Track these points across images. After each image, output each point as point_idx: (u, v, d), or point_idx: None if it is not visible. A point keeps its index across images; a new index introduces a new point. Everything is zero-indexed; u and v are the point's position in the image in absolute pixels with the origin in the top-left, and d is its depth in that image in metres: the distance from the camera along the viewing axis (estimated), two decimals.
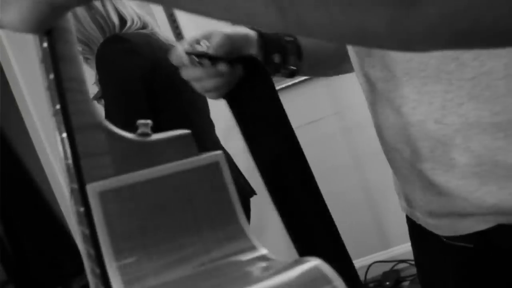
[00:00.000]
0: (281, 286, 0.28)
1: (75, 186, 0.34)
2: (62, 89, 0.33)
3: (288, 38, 0.61)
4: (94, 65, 1.18)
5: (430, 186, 0.52)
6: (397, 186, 0.63)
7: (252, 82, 0.55)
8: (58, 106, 0.33)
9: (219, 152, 0.38)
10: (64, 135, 0.33)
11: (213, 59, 0.53)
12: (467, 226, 0.51)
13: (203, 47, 0.55)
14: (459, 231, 0.52)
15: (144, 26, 1.17)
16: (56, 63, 0.33)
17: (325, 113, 2.13)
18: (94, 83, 1.27)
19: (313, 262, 0.30)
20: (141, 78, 1.07)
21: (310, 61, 0.63)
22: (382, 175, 2.13)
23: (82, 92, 0.35)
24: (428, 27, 0.23)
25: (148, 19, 1.20)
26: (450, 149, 0.48)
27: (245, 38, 0.57)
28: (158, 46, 1.13)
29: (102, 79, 1.11)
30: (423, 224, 0.58)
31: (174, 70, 1.09)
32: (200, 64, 0.53)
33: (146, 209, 0.35)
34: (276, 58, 0.60)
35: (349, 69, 0.66)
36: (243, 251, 0.36)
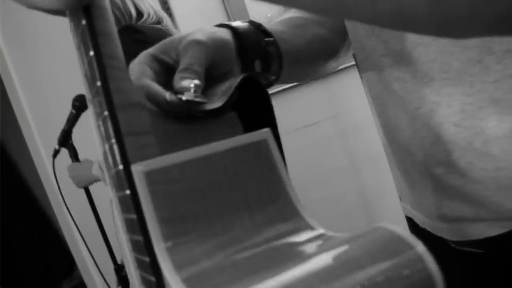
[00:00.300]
0: (359, 257, 0.26)
1: (119, 168, 0.32)
2: (103, 65, 0.31)
3: (268, 39, 0.51)
4: None
5: (444, 190, 0.50)
6: (401, 189, 0.61)
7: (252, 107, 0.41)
8: (98, 83, 0.31)
9: (266, 129, 0.35)
10: (106, 113, 0.31)
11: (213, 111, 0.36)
12: (479, 231, 0.49)
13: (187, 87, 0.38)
14: (469, 236, 0.50)
15: (159, 21, 1.17)
16: (96, 39, 0.32)
17: (322, 117, 2.12)
18: None
19: (388, 228, 0.28)
20: None
21: (290, 65, 0.53)
22: (378, 179, 2.14)
23: (122, 70, 0.33)
24: (468, 7, 0.22)
25: (163, 14, 1.21)
26: (468, 153, 0.46)
27: (222, 45, 0.44)
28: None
29: None
30: (429, 228, 0.56)
31: None
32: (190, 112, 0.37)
33: (194, 190, 0.33)
34: (257, 67, 0.49)
35: (334, 69, 0.64)
36: (299, 230, 0.33)
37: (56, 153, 1.40)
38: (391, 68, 0.49)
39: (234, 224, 0.33)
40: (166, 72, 0.42)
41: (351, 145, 2.14)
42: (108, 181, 0.36)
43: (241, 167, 0.34)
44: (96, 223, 1.45)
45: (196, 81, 0.38)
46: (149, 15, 1.16)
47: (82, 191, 1.43)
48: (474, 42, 0.42)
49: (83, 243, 2.22)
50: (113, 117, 0.31)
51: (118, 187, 0.33)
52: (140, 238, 0.31)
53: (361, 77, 0.60)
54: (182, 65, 0.39)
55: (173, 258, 0.31)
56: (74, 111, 1.34)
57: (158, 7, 1.21)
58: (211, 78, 0.40)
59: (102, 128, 0.33)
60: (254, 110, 0.37)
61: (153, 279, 0.31)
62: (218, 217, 0.33)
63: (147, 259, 0.31)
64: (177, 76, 0.39)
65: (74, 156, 1.38)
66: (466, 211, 0.49)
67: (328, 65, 0.62)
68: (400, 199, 0.64)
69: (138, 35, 1.08)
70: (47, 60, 2.03)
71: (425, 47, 0.45)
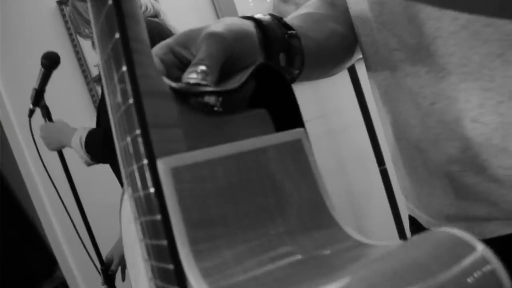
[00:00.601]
0: (426, 263, 0.23)
1: (142, 163, 0.28)
2: (130, 48, 0.28)
3: (290, 32, 0.48)
4: None
5: (455, 188, 0.48)
6: (406, 188, 0.59)
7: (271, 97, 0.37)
8: (124, 68, 0.28)
9: (301, 129, 0.33)
10: (131, 100, 0.28)
11: (221, 94, 0.33)
12: (490, 230, 0.48)
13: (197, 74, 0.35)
14: (480, 235, 0.48)
15: (156, 14, 1.14)
16: (123, 20, 0.29)
17: (310, 116, 2.11)
18: (96, 65, 1.22)
19: (447, 231, 0.25)
20: None
21: (310, 60, 0.51)
22: (366, 179, 2.13)
23: (148, 55, 0.30)
24: None
25: (160, 7, 1.18)
26: (484, 150, 0.44)
27: (243, 36, 0.40)
28: (167, 36, 1.10)
29: None
30: (434, 229, 0.53)
31: None
32: (204, 106, 0.32)
33: (224, 190, 0.29)
34: (282, 60, 0.47)
35: (346, 67, 0.62)
36: (338, 239, 0.30)
37: (31, 112, 1.34)
38: (404, 63, 0.48)
39: (267, 229, 0.30)
40: (181, 65, 0.39)
41: (340, 145, 2.15)
42: (124, 180, 0.32)
43: (274, 167, 0.31)
44: (80, 213, 1.37)
45: (203, 67, 0.35)
46: (146, 8, 1.13)
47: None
48: (495, 36, 0.41)
49: (65, 241, 2.18)
50: (139, 105, 0.28)
51: (138, 185, 0.29)
52: (163, 242, 0.28)
53: (368, 73, 0.58)
54: (195, 60, 0.37)
55: (201, 265, 0.27)
56: (43, 69, 1.28)
57: (154, 1, 1.18)
58: (234, 71, 0.37)
59: (124, 119, 0.30)
60: (281, 107, 0.34)
61: None
62: (249, 221, 0.30)
63: (170, 266, 0.28)
64: (187, 70, 0.36)
65: (47, 115, 1.32)
66: (478, 210, 0.47)
67: (342, 62, 0.60)
68: (406, 198, 0.62)
69: None
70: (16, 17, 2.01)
71: (443, 40, 0.44)
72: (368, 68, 0.56)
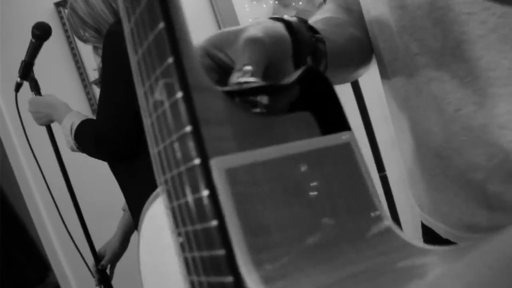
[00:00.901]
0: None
1: (192, 164, 0.25)
2: (176, 37, 0.26)
3: (317, 35, 0.47)
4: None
5: (480, 198, 0.47)
6: (421, 197, 0.57)
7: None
8: (170, 60, 0.26)
9: (350, 132, 0.31)
10: (180, 94, 0.25)
11: (273, 89, 0.31)
12: None
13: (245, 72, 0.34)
14: None
15: None
16: (167, 8, 0.26)
17: None
18: (96, 69, 1.16)
19: None
20: None
21: (331, 65, 0.49)
22: None
23: (192, 47, 0.27)
24: None
25: None
26: None
27: (280, 40, 0.39)
28: None
29: (105, 57, 1.01)
30: (453, 239, 0.53)
31: None
32: (254, 104, 0.30)
33: (280, 194, 0.27)
34: (309, 62, 0.45)
35: (361, 74, 0.61)
36: (396, 246, 0.28)
37: (18, 86, 1.24)
38: (427, 68, 0.46)
39: (324, 235, 0.27)
40: (217, 68, 0.37)
41: None
42: (160, 187, 0.29)
43: (326, 170, 0.29)
44: (72, 203, 1.27)
45: (249, 67, 0.33)
46: None
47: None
48: None
49: (58, 244, 2.07)
50: (189, 100, 0.25)
51: (185, 190, 0.26)
52: (218, 253, 0.25)
53: (383, 81, 0.56)
54: (238, 65, 0.34)
55: (262, 275, 0.24)
56: (34, 40, 1.20)
57: None
58: (270, 77, 0.35)
59: (164, 119, 0.27)
60: (325, 110, 0.32)
61: None
62: (306, 227, 0.27)
63: (228, 278, 0.24)
64: (232, 74, 0.34)
65: (36, 89, 1.23)
66: (502, 219, 0.46)
67: (359, 69, 0.58)
68: (420, 208, 0.60)
69: None
70: None
71: (470, 44, 0.42)
72: (385, 75, 0.54)
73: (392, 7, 0.48)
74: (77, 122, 1.05)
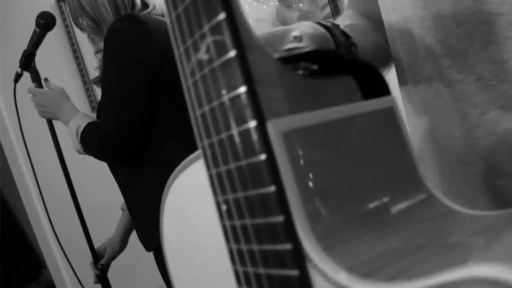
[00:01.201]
0: None
1: (247, 127, 0.24)
2: None
3: (351, 40, 0.48)
4: (99, 45, 1.03)
5: (501, 203, 0.45)
6: None
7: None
8: (221, 16, 0.24)
9: (391, 96, 0.30)
10: (233, 53, 0.24)
11: (320, 54, 0.31)
12: None
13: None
14: None
15: (163, 14, 1.06)
16: None
17: None
18: (97, 68, 1.12)
19: None
20: (148, 67, 0.95)
21: None
22: None
23: (240, 5, 0.26)
24: None
25: None
26: None
27: (325, 37, 0.43)
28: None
29: (107, 56, 0.98)
30: None
31: None
32: (304, 68, 0.30)
33: (333, 157, 0.26)
34: None
35: None
36: (442, 212, 0.28)
37: (18, 77, 1.19)
38: (450, 70, 0.44)
39: (376, 201, 0.27)
40: None
41: None
42: (203, 152, 0.28)
43: (374, 134, 0.28)
44: (73, 204, 1.23)
45: (297, 32, 0.35)
46: (154, 7, 1.05)
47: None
48: None
49: (54, 241, 2.04)
50: (243, 58, 0.24)
51: (237, 153, 0.25)
52: (275, 219, 0.24)
53: (400, 84, 0.54)
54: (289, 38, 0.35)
55: (322, 242, 0.24)
56: (37, 30, 1.15)
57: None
58: None
59: (218, 76, 0.25)
60: (366, 75, 0.31)
61: (295, 272, 0.24)
62: (358, 192, 0.26)
63: (287, 246, 0.24)
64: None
65: (37, 80, 1.17)
66: None
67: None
68: None
69: (140, 27, 0.96)
70: None
71: (497, 46, 0.41)
72: (403, 78, 0.53)
73: (415, 8, 0.46)
74: (83, 124, 1.01)
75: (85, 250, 1.24)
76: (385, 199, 0.27)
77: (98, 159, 1.06)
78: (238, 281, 0.28)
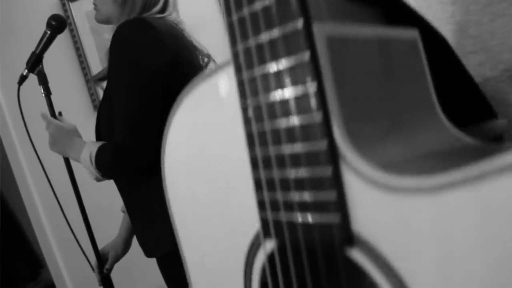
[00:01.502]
0: None
1: (292, 26, 0.25)
2: None
3: None
4: (103, 14, 0.99)
5: None
6: None
7: None
8: None
9: (415, 30, 0.31)
10: None
11: None
12: None
13: None
14: None
15: (177, 22, 1.01)
16: None
17: None
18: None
19: None
20: (159, 74, 0.91)
21: None
22: None
23: None
24: None
25: (177, 8, 1.05)
26: None
27: None
28: (181, 40, 0.98)
29: (115, 64, 0.92)
30: None
31: (192, 70, 0.94)
32: None
33: (370, 70, 0.27)
34: None
35: None
36: (453, 138, 0.30)
37: (23, 79, 1.12)
38: (482, 67, 0.43)
39: (405, 116, 0.28)
40: None
41: None
42: (236, 56, 0.28)
43: (404, 59, 0.30)
44: (80, 211, 1.17)
45: None
46: (170, 13, 1.00)
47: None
48: None
49: (54, 241, 2.00)
50: None
51: (277, 54, 0.25)
52: (313, 118, 0.25)
53: None
54: None
55: (356, 141, 0.25)
56: (48, 32, 1.10)
57: None
58: None
59: None
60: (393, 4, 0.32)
61: (328, 170, 0.24)
62: (390, 106, 0.28)
63: (322, 143, 0.24)
64: None
65: (43, 82, 1.11)
66: None
67: None
68: None
69: (149, 32, 0.91)
70: None
71: None
72: None
73: (444, 4, 0.44)
74: (94, 150, 0.96)
75: (87, 251, 1.20)
76: (408, 115, 0.28)
77: (118, 176, 1.02)
78: (258, 187, 0.28)
